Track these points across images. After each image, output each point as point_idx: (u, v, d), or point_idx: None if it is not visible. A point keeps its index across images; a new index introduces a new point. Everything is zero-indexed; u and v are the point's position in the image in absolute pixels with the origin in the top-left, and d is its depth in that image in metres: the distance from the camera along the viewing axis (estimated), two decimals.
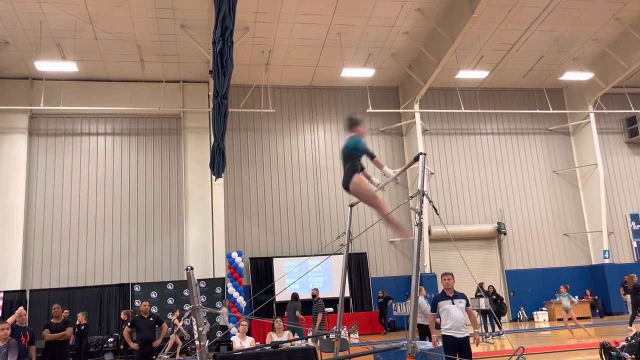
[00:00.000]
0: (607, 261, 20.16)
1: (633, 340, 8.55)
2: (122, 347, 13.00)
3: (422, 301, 10.27)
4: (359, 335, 15.77)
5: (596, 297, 19.96)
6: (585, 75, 19.59)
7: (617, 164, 21.71)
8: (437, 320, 7.21)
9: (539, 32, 17.75)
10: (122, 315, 13.10)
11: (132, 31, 15.79)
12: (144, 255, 17.50)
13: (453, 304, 6.84)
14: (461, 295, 6.99)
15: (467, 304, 6.96)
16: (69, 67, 16.37)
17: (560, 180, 21.29)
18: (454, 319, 6.74)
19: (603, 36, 18.48)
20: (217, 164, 14.13)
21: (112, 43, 16.11)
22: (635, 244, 21.19)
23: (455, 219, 19.89)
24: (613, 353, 8.40)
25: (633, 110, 20.98)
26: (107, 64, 17.34)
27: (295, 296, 13.60)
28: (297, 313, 13.08)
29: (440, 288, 19.30)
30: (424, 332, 9.67)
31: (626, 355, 8.32)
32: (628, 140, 21.98)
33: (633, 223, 21.33)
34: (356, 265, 18.71)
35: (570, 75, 19.63)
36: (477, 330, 6.93)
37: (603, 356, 8.62)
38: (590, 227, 20.78)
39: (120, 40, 15.90)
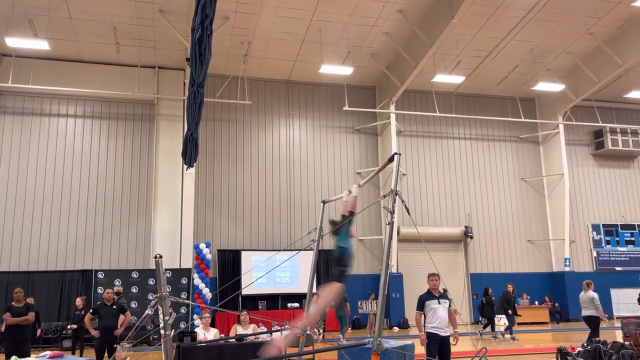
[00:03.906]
0: (567, 269, 20.73)
1: (589, 347, 8.80)
2: (72, 328, 12.09)
3: (596, 295, 11.17)
4: (325, 331, 15.84)
5: (556, 303, 20.51)
6: (557, 87, 20.06)
7: (583, 175, 22.33)
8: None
9: (516, 42, 18.08)
10: (78, 302, 12.53)
11: (109, 12, 15.43)
12: (109, 242, 17.18)
13: (439, 303, 7.13)
14: (445, 296, 7.33)
15: (450, 305, 7.24)
16: (41, 45, 15.89)
17: (527, 188, 21.77)
18: (440, 317, 7.06)
19: (576, 50, 18.94)
20: (190, 154, 13.90)
21: (87, 23, 15.72)
22: (595, 254, 21.84)
23: (424, 221, 20.14)
24: (569, 358, 8.63)
25: (600, 124, 21.60)
26: (81, 45, 16.92)
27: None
28: (348, 304, 14.70)
29: (408, 288, 19.54)
30: (594, 323, 10.81)
31: None
32: (594, 153, 22.62)
33: (594, 233, 21.98)
34: (325, 262, 18.73)
35: (542, 86, 20.06)
36: (456, 330, 7.18)
37: None
38: (554, 235, 21.32)
39: (96, 21, 15.52)
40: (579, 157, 22.44)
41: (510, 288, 15.15)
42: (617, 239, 22.15)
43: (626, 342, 9.55)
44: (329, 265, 19.61)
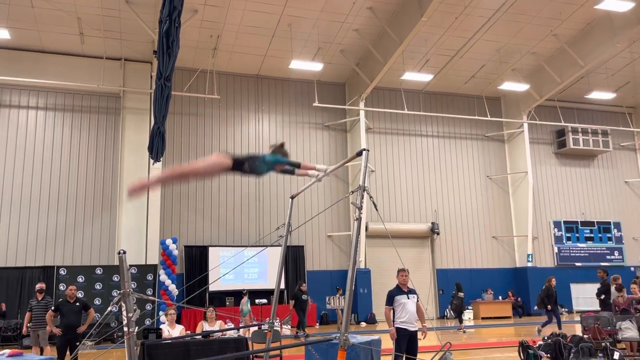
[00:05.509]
0: (530, 264, 21.26)
1: (549, 340, 9.05)
2: (24, 331, 10.59)
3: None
4: (292, 327, 15.83)
5: (519, 298, 21.03)
6: (522, 87, 20.49)
7: (545, 173, 22.92)
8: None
9: (483, 41, 18.39)
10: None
11: (73, 2, 15.00)
12: (72, 238, 16.76)
13: (408, 298, 7.21)
14: (414, 291, 7.37)
15: (418, 299, 7.33)
16: (1, 34, 15.35)
17: (492, 185, 22.22)
18: (409, 312, 7.14)
19: (541, 50, 19.38)
20: (156, 148, 13.71)
21: (49, 12, 15.25)
22: (556, 250, 22.48)
23: (392, 217, 20.33)
24: (530, 351, 8.86)
25: (562, 123, 22.21)
26: (43, 34, 16.40)
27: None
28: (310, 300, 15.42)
29: (376, 283, 19.69)
30: None
31: (542, 353, 8.80)
32: (556, 152, 23.24)
33: (555, 230, 22.61)
34: (293, 257, 18.74)
35: (508, 85, 20.44)
36: (424, 325, 7.27)
37: (521, 354, 9.08)
38: (517, 232, 21.83)
39: (59, 10, 15.07)
40: (542, 156, 23.02)
41: (553, 282, 14.17)
42: (577, 235, 22.84)
43: (585, 336, 9.85)
44: (298, 262, 19.64)
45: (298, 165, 5.51)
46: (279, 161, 5.27)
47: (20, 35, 16.19)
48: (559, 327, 13.81)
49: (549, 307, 13.98)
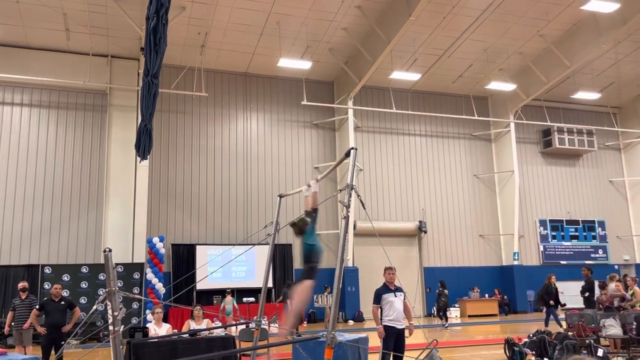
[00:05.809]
0: (516, 263, 21.45)
1: (534, 338, 9.15)
2: (6, 331, 10.86)
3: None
4: (280, 325, 15.83)
5: (505, 296, 21.21)
6: (509, 86, 20.65)
7: (532, 172, 23.13)
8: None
9: (470, 41, 18.49)
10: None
11: None
12: (58, 236, 16.59)
13: (395, 296, 7.25)
14: (401, 289, 7.41)
15: (405, 297, 7.38)
16: None
17: (479, 184, 22.37)
18: (397, 310, 7.18)
19: (527, 50, 19.54)
20: (143, 145, 13.52)
21: (35, 8, 15.06)
22: (541, 248, 22.70)
23: (380, 216, 20.39)
24: (516, 349, 8.95)
25: (548, 123, 22.41)
26: (28, 30, 16.20)
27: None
28: None
29: (363, 281, 19.79)
30: None
31: (527, 350, 8.90)
32: (542, 151, 23.46)
33: (541, 228, 22.84)
34: (281, 256, 18.72)
35: (495, 85, 20.58)
36: (411, 322, 7.30)
37: (507, 351, 9.17)
38: (504, 230, 22.01)
39: (45, 6, 14.89)
40: (529, 155, 23.22)
41: (553, 279, 14.11)
42: (562, 234, 23.09)
43: (570, 333, 9.98)
44: (285, 260, 19.63)
45: (315, 210, 6.19)
46: (313, 229, 6.00)
47: (5, 31, 15.97)
48: (546, 325, 13.82)
49: (551, 302, 13.82)
